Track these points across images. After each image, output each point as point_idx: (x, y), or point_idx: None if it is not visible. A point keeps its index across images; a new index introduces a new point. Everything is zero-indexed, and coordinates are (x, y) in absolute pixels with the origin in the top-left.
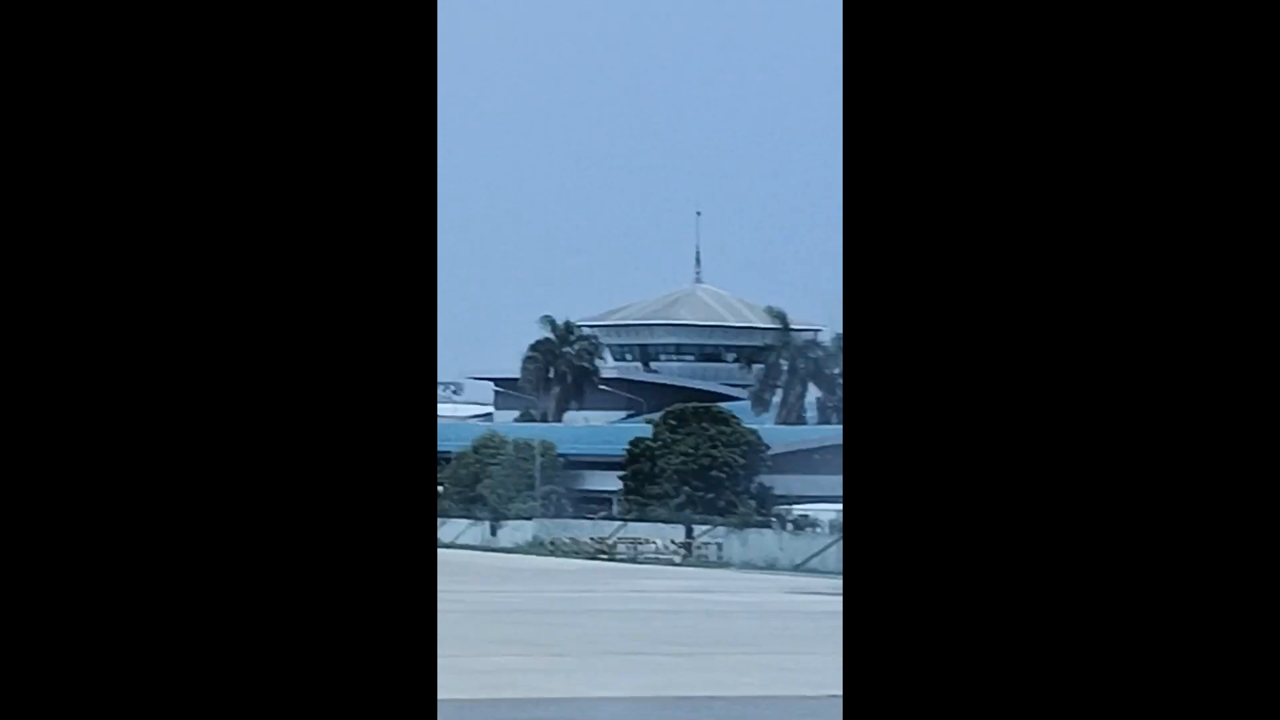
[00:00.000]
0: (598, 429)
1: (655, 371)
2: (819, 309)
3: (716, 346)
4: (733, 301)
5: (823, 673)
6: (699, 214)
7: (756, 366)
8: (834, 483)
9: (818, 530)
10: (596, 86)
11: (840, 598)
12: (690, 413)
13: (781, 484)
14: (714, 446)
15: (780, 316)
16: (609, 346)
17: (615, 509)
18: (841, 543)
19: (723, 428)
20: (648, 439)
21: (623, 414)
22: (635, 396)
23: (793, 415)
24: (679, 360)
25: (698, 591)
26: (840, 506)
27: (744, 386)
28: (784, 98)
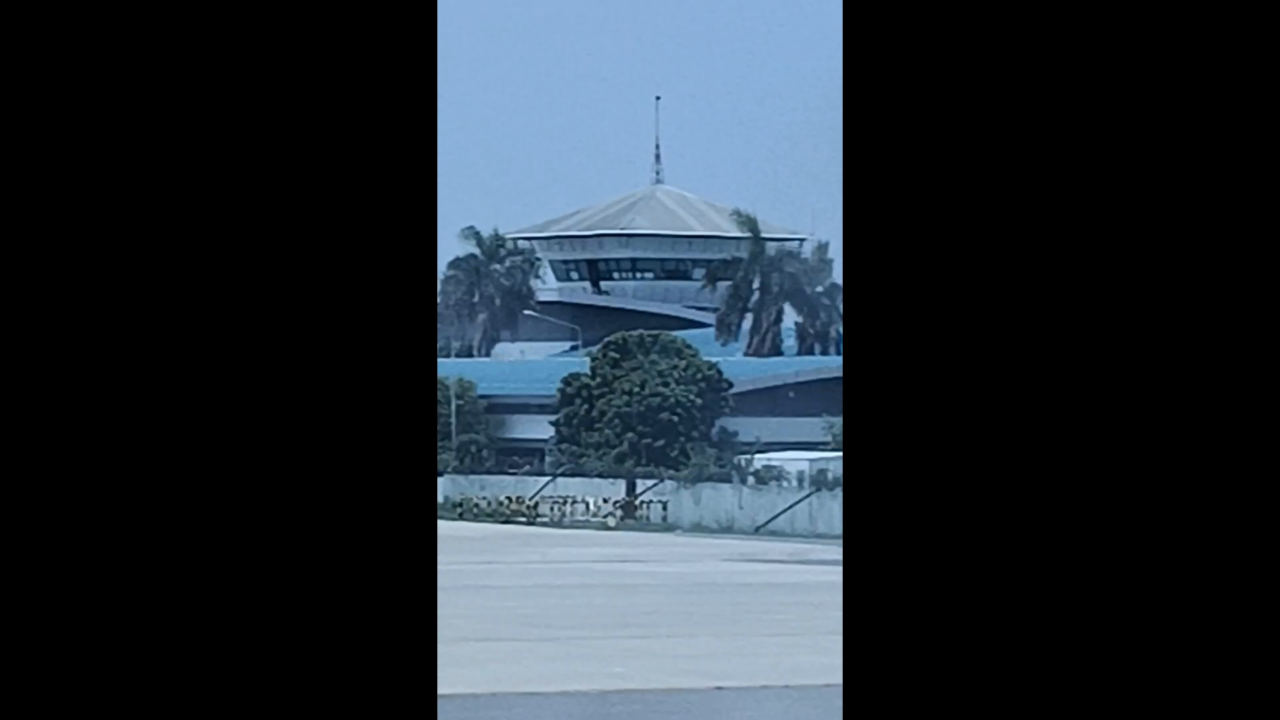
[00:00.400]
0: (528, 364)
1: (607, 293)
2: (801, 215)
3: (680, 261)
4: (701, 206)
5: (708, 659)
6: (659, 99)
7: (722, 285)
8: (810, 426)
9: (784, 485)
10: None
11: (795, 565)
12: (635, 342)
13: (748, 428)
14: (664, 384)
15: (750, 223)
16: (550, 263)
17: (547, 462)
18: (812, 499)
19: (675, 360)
20: (584, 376)
21: (566, 346)
22: (581, 325)
23: (766, 344)
24: (635, 279)
25: (621, 561)
26: (814, 455)
27: (713, 310)
28: None
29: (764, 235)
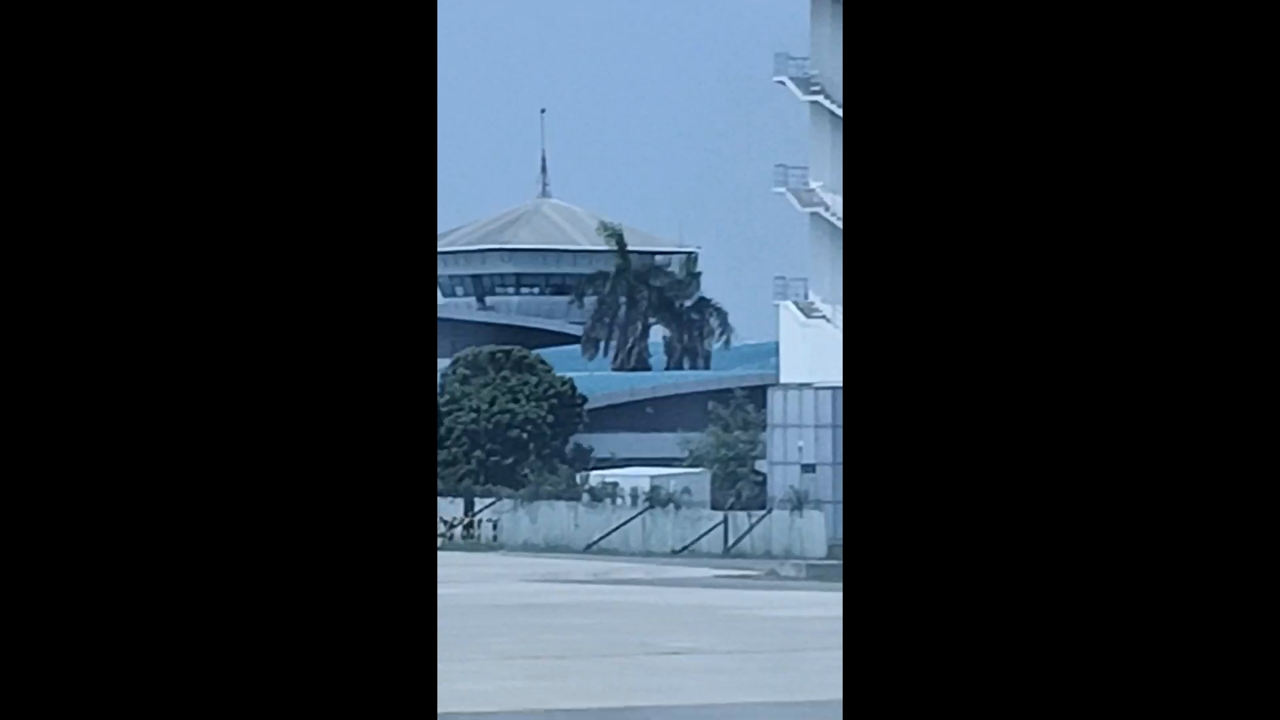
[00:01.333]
0: None
1: (491, 309)
2: (687, 227)
3: (565, 276)
4: (587, 220)
5: None
6: (544, 112)
7: (589, 299)
8: (666, 441)
9: (619, 502)
10: None
11: (591, 585)
12: (486, 359)
13: (604, 444)
14: (515, 400)
15: (616, 236)
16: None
17: None
18: (647, 515)
19: (527, 377)
20: None
21: (446, 363)
22: (465, 341)
23: (632, 359)
24: (520, 294)
25: None
26: (655, 471)
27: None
28: None
29: (632, 249)
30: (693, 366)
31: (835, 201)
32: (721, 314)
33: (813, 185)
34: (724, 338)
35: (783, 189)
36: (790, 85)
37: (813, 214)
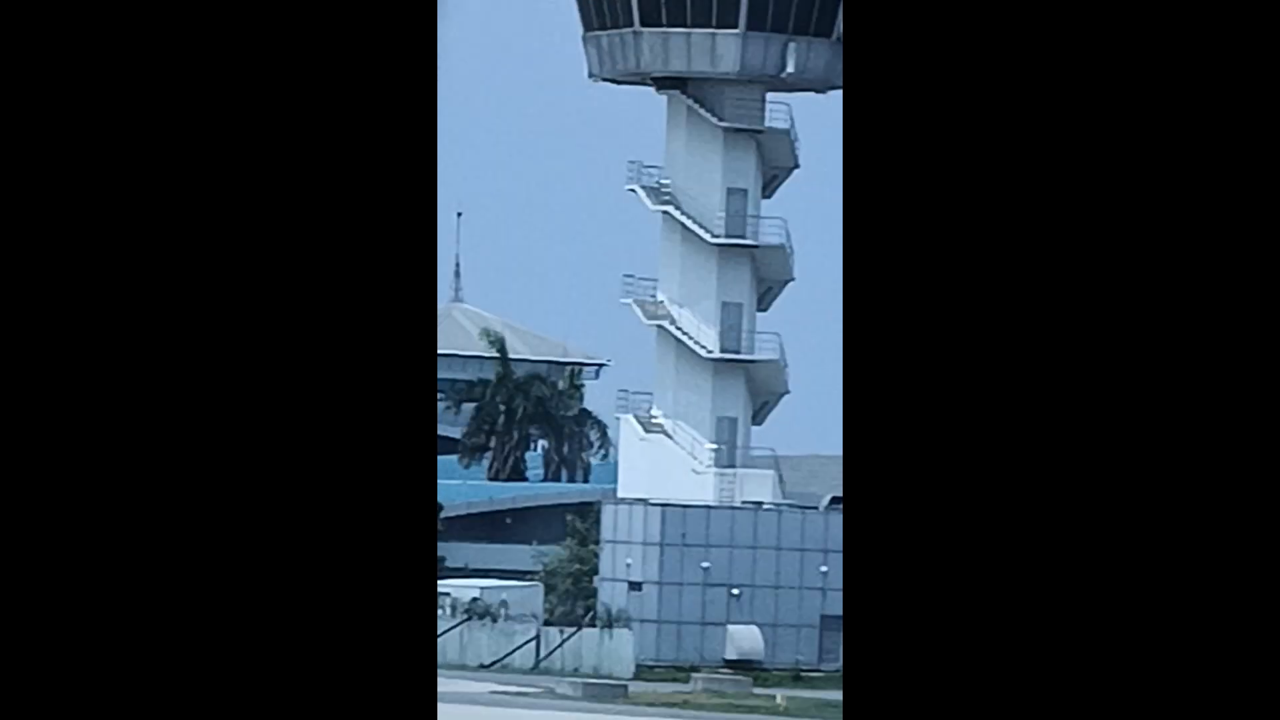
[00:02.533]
0: None
1: None
2: (600, 337)
3: (453, 382)
4: (497, 326)
5: None
6: (460, 215)
7: (467, 406)
8: (520, 554)
9: (442, 612)
10: None
11: None
12: None
13: (459, 554)
14: None
15: (498, 342)
16: None
17: None
18: (464, 628)
19: None
20: None
21: None
22: None
23: (507, 468)
24: None
25: None
26: (486, 583)
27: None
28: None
29: (511, 357)
30: (571, 479)
31: (681, 314)
32: (601, 426)
33: (660, 298)
34: (603, 451)
35: (629, 301)
36: (641, 194)
37: (659, 328)
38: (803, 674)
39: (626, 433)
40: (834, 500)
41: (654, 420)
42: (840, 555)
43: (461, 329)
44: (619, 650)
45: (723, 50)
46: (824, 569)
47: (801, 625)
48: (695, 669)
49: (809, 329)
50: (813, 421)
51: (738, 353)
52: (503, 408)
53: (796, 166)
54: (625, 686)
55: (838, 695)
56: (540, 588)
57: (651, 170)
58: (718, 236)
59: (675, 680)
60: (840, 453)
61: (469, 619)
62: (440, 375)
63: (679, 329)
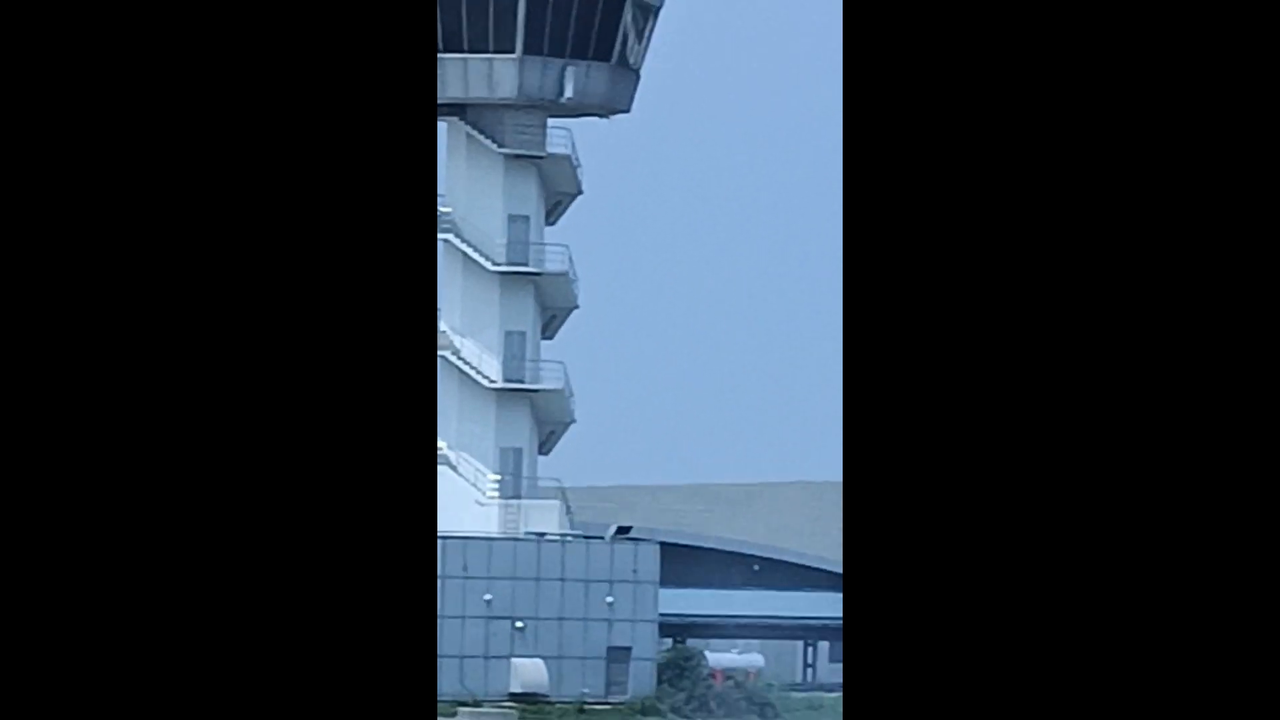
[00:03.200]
0: None
1: None
2: None
3: None
4: None
5: None
6: None
7: None
8: None
9: None
10: None
11: None
12: None
13: None
14: None
15: None
16: None
17: None
18: None
19: None
20: None
21: None
22: None
23: None
24: None
25: None
26: None
27: None
28: None
29: None
30: None
31: (463, 344)
32: None
33: (442, 327)
34: None
35: None
36: None
37: (441, 358)
38: (588, 706)
39: None
40: (619, 531)
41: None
42: (627, 586)
43: None
44: None
45: (500, 75)
46: (609, 600)
47: (587, 657)
48: (478, 703)
49: (595, 357)
50: (601, 451)
51: (522, 382)
52: None
53: (580, 193)
54: None
55: None
56: None
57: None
58: (499, 264)
59: (444, 716)
60: (628, 482)
61: None
62: None
63: (461, 359)
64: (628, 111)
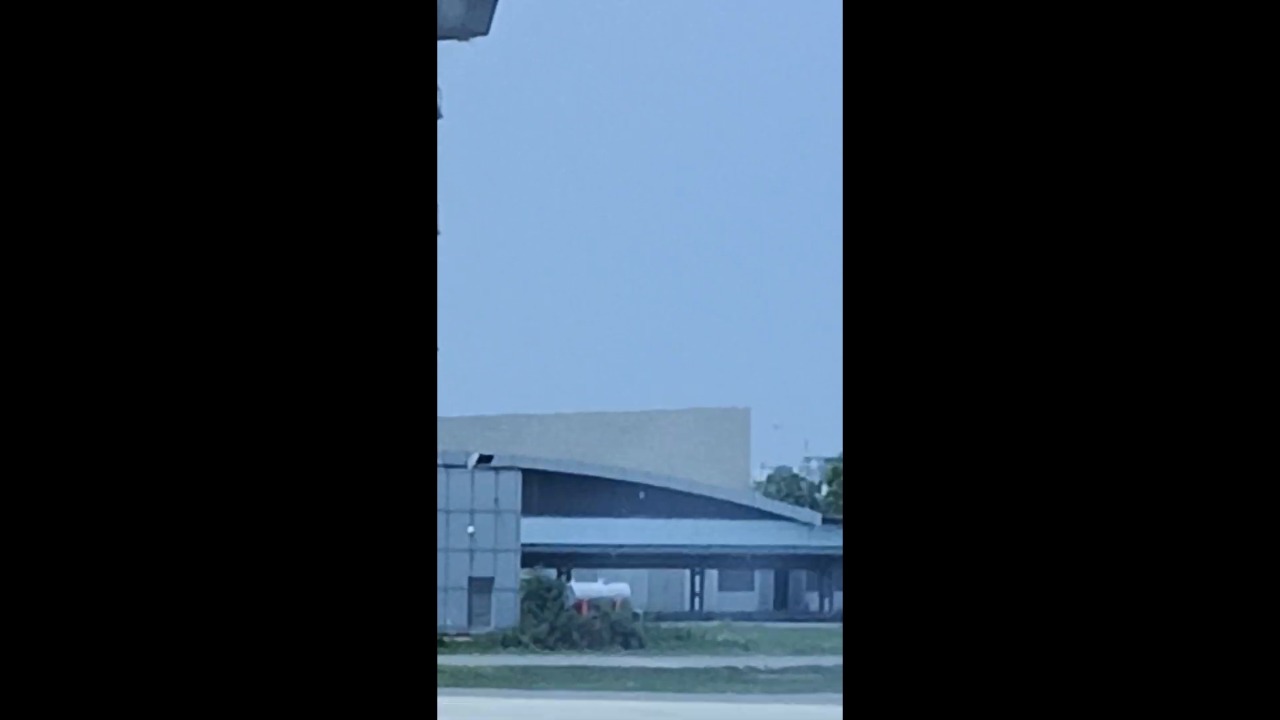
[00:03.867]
0: None
1: None
2: None
3: None
4: None
5: None
6: None
7: None
8: None
9: None
10: None
11: None
12: None
13: None
14: None
15: None
16: None
17: None
18: None
19: None
20: None
21: None
22: None
23: None
24: None
25: None
26: None
27: None
28: None
29: None
30: None
31: None
32: None
33: None
34: None
35: None
36: None
37: None
38: (449, 639)
39: None
40: (481, 459)
41: None
42: (488, 515)
43: None
44: None
45: None
46: (470, 529)
47: (449, 588)
48: None
49: (461, 287)
50: (463, 381)
51: None
52: None
53: (440, 116)
54: None
55: (487, 660)
56: None
57: None
58: None
59: None
60: (491, 413)
61: None
62: None
63: None
64: (486, 34)
